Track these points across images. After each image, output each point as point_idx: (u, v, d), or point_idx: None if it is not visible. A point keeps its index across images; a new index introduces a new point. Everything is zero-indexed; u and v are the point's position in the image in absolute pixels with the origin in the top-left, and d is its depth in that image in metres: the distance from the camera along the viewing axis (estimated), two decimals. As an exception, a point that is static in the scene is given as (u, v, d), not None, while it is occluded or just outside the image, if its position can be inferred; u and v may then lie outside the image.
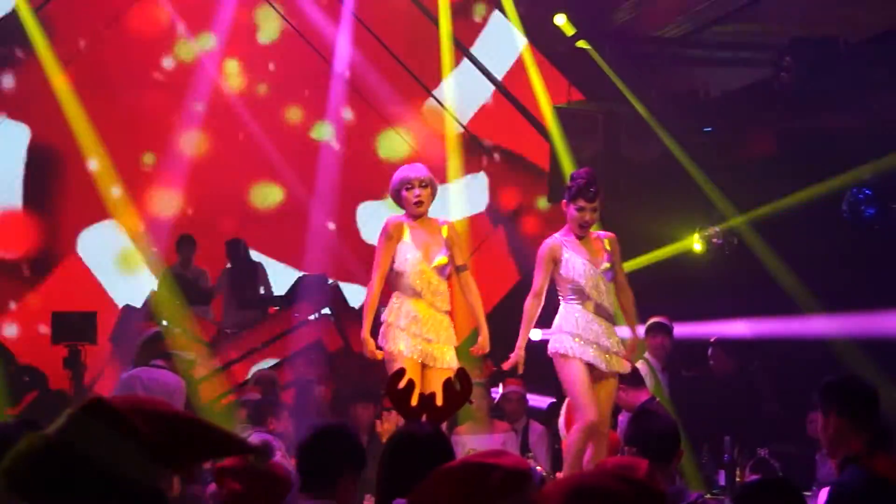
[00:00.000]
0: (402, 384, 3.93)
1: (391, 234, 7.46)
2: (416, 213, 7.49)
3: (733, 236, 11.47)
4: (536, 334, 12.36)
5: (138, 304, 12.87)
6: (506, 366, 7.77)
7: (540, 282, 7.52)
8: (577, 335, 7.41)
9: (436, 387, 4.42)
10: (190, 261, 13.03)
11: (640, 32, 12.72)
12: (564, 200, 7.53)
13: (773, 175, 10.89)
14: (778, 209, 10.72)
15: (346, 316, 12.67)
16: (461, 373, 4.25)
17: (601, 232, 7.75)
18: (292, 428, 8.91)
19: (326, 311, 12.65)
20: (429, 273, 7.43)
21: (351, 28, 13.71)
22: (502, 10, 13.17)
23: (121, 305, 13.33)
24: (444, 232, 7.56)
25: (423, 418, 3.90)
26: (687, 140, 11.88)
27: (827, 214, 10.37)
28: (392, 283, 7.54)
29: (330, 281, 13.34)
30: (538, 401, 10.82)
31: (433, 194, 7.57)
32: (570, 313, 7.49)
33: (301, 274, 13.57)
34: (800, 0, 10.79)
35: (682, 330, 10.29)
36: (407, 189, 7.46)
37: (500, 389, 10.30)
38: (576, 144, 12.55)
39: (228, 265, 13.19)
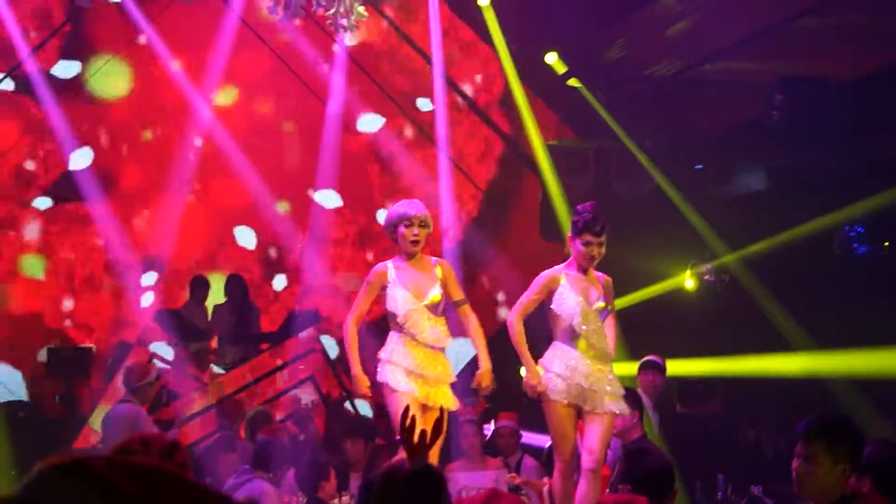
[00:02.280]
0: (409, 421, 4.00)
1: (372, 281, 7.39)
2: (411, 251, 7.38)
3: (725, 273, 11.51)
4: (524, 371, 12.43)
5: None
6: (532, 393, 7.39)
7: (528, 302, 7.40)
8: (561, 375, 7.24)
9: (427, 426, 4.46)
10: (203, 302, 13.09)
11: (631, 70, 12.80)
12: (570, 235, 7.41)
13: (764, 212, 10.95)
14: (769, 246, 10.76)
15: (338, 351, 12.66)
16: (442, 414, 4.32)
17: (600, 273, 7.57)
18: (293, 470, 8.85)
19: (319, 346, 12.63)
20: (421, 311, 7.33)
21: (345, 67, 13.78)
22: (494, 48, 13.24)
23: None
24: (438, 271, 7.45)
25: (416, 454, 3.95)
26: (678, 177, 11.94)
27: (818, 252, 10.41)
28: (389, 323, 7.45)
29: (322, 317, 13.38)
30: (538, 439, 10.78)
31: (429, 234, 7.49)
32: (558, 351, 7.36)
33: (293, 310, 13.61)
34: (790, 39, 10.86)
35: (674, 368, 10.30)
36: (406, 226, 7.35)
37: (492, 425, 10.30)
38: (567, 181, 12.59)
39: (226, 301, 13.19)
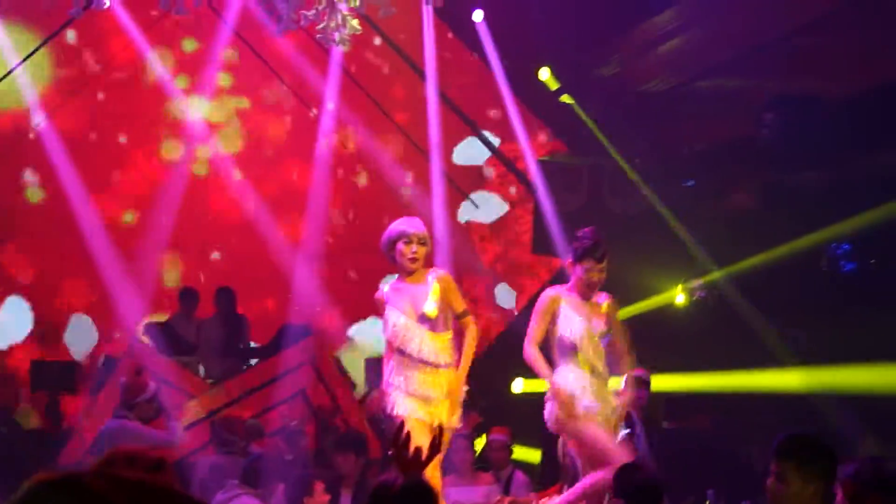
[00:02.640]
0: (402, 438, 4.00)
1: (379, 312, 7.35)
2: (409, 269, 7.27)
3: (715, 289, 11.55)
4: (519, 385, 12.46)
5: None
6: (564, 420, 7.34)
7: (537, 331, 7.34)
8: (580, 397, 7.21)
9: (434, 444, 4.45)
10: (192, 314, 13.08)
11: (624, 87, 12.85)
12: (570, 260, 7.39)
13: (754, 229, 10.99)
14: (759, 263, 10.81)
15: (329, 366, 12.66)
16: (438, 430, 4.31)
17: (601, 295, 7.51)
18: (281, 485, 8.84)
19: (309, 360, 12.62)
20: (413, 327, 7.21)
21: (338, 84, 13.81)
22: (488, 64, 13.28)
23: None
24: (436, 285, 7.31)
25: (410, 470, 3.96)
26: (669, 194, 11.98)
27: (807, 269, 10.46)
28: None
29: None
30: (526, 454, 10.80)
31: (427, 253, 7.40)
32: (567, 372, 7.30)
33: (284, 324, 13.60)
34: (781, 57, 10.92)
35: (663, 383, 10.33)
36: (405, 243, 7.26)
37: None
38: (560, 197, 12.63)
39: (215, 314, 13.18)
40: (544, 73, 12.88)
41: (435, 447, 4.21)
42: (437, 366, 7.21)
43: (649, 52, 12.11)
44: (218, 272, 14.31)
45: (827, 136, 10.35)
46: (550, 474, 9.00)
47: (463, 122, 14.52)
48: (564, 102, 12.87)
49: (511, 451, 10.23)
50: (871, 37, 10.13)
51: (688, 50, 11.74)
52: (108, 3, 8.94)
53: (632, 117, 12.57)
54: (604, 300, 7.46)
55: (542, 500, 8.27)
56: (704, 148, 12.41)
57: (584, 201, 12.51)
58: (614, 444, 7.20)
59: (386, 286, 7.39)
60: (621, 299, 10.99)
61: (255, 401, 12.28)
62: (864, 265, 10.30)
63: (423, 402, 7.14)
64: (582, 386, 7.23)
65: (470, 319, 7.44)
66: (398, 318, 7.22)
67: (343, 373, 12.88)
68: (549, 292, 7.45)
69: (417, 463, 3.94)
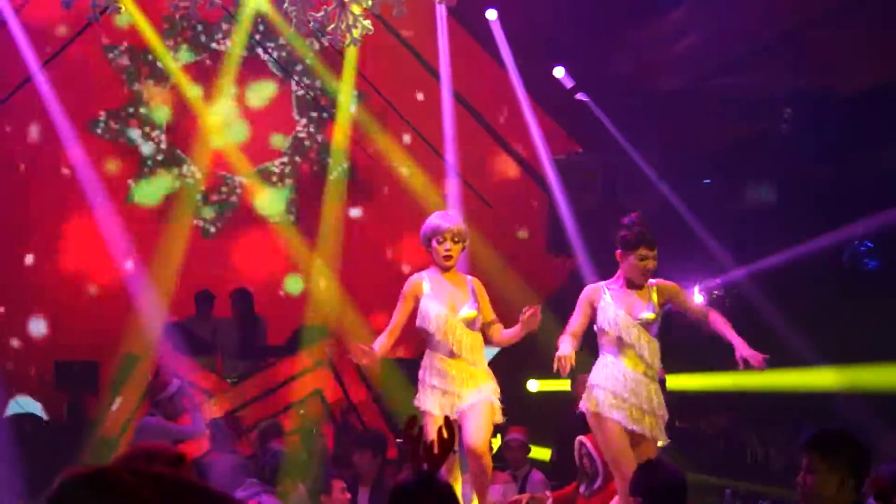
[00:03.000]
0: (415, 431, 3.95)
1: (406, 295, 7.18)
2: (444, 266, 7.17)
3: (733, 288, 11.49)
4: (534, 385, 12.44)
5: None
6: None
7: (574, 324, 7.12)
8: (612, 391, 7.00)
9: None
10: (209, 315, 13.10)
11: (638, 85, 12.80)
12: (619, 251, 7.10)
13: (773, 227, 10.93)
14: (778, 261, 10.75)
15: (346, 366, 12.65)
16: (447, 421, 4.25)
17: (657, 280, 7.25)
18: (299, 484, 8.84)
19: (326, 361, 12.62)
20: (456, 326, 7.12)
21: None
22: (502, 63, 13.26)
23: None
24: (475, 287, 7.26)
25: (424, 467, 3.92)
26: (686, 192, 11.93)
27: (828, 266, 10.40)
28: (424, 341, 7.27)
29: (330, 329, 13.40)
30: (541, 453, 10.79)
31: (464, 249, 7.26)
32: (604, 365, 7.10)
33: (300, 325, 13.61)
34: (798, 52, 10.86)
35: (678, 382, 10.29)
36: (438, 242, 7.15)
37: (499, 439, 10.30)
38: (574, 196, 12.60)
39: (232, 315, 13.19)
40: (559, 72, 12.85)
41: (450, 441, 4.15)
42: (472, 364, 7.12)
43: (664, 50, 12.07)
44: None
45: (846, 131, 10.30)
46: (566, 473, 8.97)
47: (477, 121, 14.49)
48: (579, 101, 12.83)
49: (528, 450, 10.21)
50: (888, 30, 10.06)
51: (702, 47, 11.69)
52: (122, 9, 8.91)
53: (647, 115, 12.52)
54: (655, 283, 7.21)
55: (557, 497, 8.25)
56: (721, 145, 12.35)
57: (599, 200, 12.47)
58: (628, 450, 6.91)
59: (424, 276, 7.24)
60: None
61: (272, 400, 12.29)
62: (886, 262, 10.24)
63: (457, 398, 7.02)
64: (615, 377, 7.00)
65: (500, 326, 7.32)
66: (440, 309, 7.10)
67: (360, 373, 12.87)
68: (591, 285, 7.28)
69: (433, 458, 3.91)
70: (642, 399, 7.01)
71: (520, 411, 11.11)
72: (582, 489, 8.03)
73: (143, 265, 13.55)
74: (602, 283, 7.23)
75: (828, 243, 10.36)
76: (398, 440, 9.87)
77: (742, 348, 6.98)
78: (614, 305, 7.04)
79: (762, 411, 11.01)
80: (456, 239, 7.14)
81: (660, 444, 7.13)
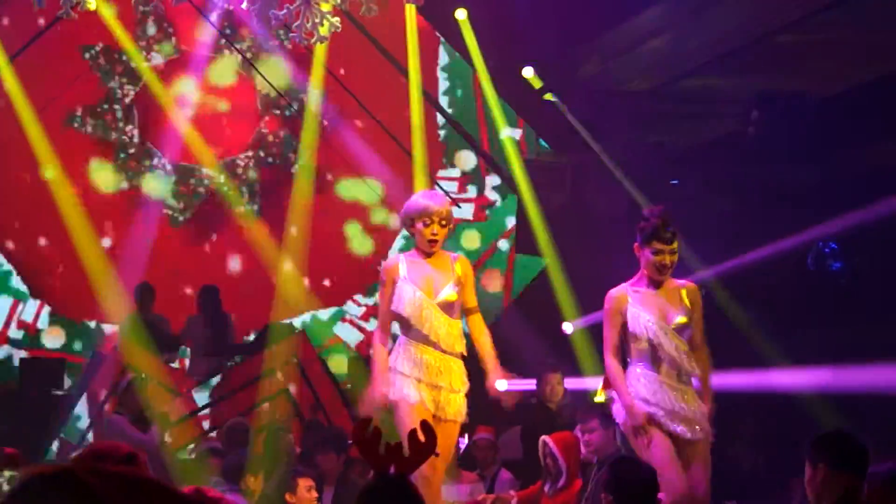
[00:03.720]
0: (369, 432, 3.84)
1: (384, 280, 6.79)
2: (429, 250, 6.78)
3: (701, 288, 11.51)
4: (503, 385, 12.42)
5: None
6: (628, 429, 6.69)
7: (612, 337, 6.70)
8: (648, 400, 6.61)
9: (441, 439, 4.23)
10: (150, 309, 12.99)
11: (608, 85, 12.82)
12: (636, 244, 6.78)
13: (739, 229, 10.98)
14: (745, 262, 10.78)
15: (313, 364, 12.62)
16: (424, 424, 4.13)
17: (682, 280, 6.98)
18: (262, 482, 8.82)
19: (294, 359, 12.58)
20: (433, 310, 6.72)
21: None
22: (470, 63, 13.26)
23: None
24: (458, 268, 6.85)
25: (391, 469, 3.81)
26: (654, 192, 11.96)
27: (793, 268, 10.44)
28: (398, 325, 6.91)
29: (298, 329, 13.39)
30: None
31: (449, 233, 6.93)
32: (637, 376, 6.70)
33: (268, 323, 13.58)
34: (766, 55, 10.91)
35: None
36: (425, 224, 6.74)
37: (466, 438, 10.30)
38: (543, 196, 12.62)
39: (199, 312, 13.13)
40: (528, 72, 12.87)
41: (429, 445, 4.00)
42: (449, 353, 6.74)
43: (633, 51, 12.09)
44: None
45: (813, 133, 10.34)
46: (533, 473, 8.98)
47: (446, 120, 14.51)
48: (548, 100, 12.84)
49: (497, 450, 10.22)
50: (855, 34, 10.12)
51: (672, 48, 11.72)
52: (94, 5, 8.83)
53: (616, 116, 12.54)
54: (684, 285, 6.92)
55: (522, 497, 8.27)
56: (689, 146, 12.39)
57: (568, 200, 12.51)
58: (673, 465, 6.52)
59: (401, 258, 6.91)
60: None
61: (239, 399, 12.25)
62: (850, 264, 10.29)
63: (433, 390, 6.68)
64: (652, 391, 6.63)
65: (479, 317, 6.97)
66: (415, 292, 6.72)
67: (328, 372, 12.85)
68: (613, 292, 6.80)
69: (403, 462, 3.82)
70: (678, 406, 6.65)
71: (490, 410, 11.12)
72: (546, 488, 8.06)
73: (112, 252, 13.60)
74: (624, 285, 6.83)
75: (794, 245, 10.39)
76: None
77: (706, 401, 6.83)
78: (645, 312, 6.69)
79: (729, 413, 11.03)
80: (443, 222, 6.78)
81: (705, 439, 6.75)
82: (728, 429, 10.82)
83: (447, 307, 6.76)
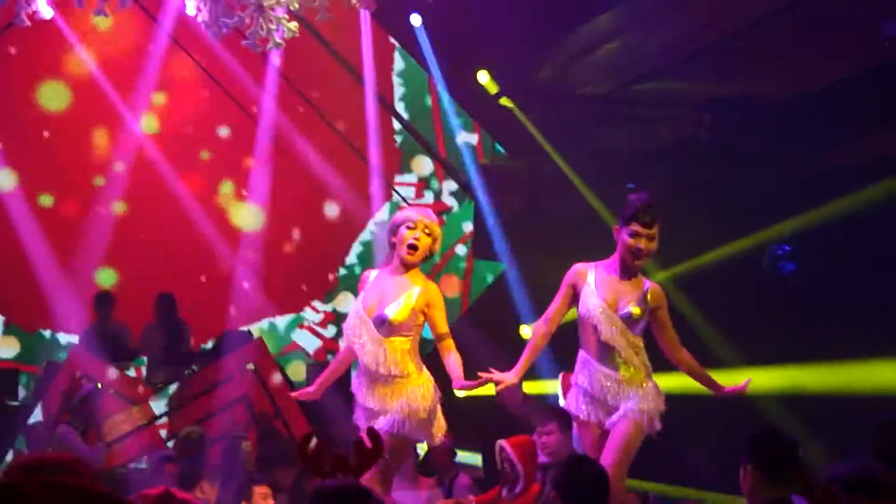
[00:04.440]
0: (312, 446, 3.85)
1: (359, 291, 6.61)
2: (407, 259, 6.45)
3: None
4: (461, 394, 12.43)
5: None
6: (498, 386, 6.56)
7: (554, 305, 6.54)
8: (589, 392, 6.51)
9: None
10: (109, 317, 12.92)
11: (563, 90, 12.86)
12: (616, 226, 6.60)
13: (694, 231, 11.03)
14: (700, 264, 10.84)
15: (270, 372, 12.57)
16: (370, 431, 4.14)
17: (649, 282, 6.71)
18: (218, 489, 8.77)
19: (251, 366, 12.53)
20: (363, 327, 6.44)
21: (275, 87, 13.72)
22: (426, 69, 13.27)
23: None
24: (422, 290, 6.52)
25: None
26: (610, 196, 12.00)
27: (748, 270, 10.50)
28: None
29: (255, 336, 13.34)
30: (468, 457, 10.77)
31: (430, 250, 6.56)
32: (582, 364, 6.58)
33: (225, 330, 13.54)
34: (720, 59, 10.97)
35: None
36: (408, 228, 6.46)
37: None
38: (499, 200, 12.63)
39: (155, 320, 13.06)
40: (483, 77, 12.88)
41: (375, 452, 4.02)
42: (384, 376, 6.42)
43: (588, 55, 12.13)
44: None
45: (766, 136, 10.41)
46: (491, 478, 8.99)
47: (402, 125, 14.51)
48: (503, 105, 12.86)
49: (454, 455, 10.21)
50: (808, 39, 10.20)
51: (626, 53, 11.77)
52: (51, 13, 8.75)
53: (571, 120, 12.58)
54: (649, 287, 6.65)
55: (480, 501, 8.27)
56: (644, 150, 12.44)
57: (524, 204, 12.53)
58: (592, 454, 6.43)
59: (375, 271, 6.69)
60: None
61: (196, 407, 12.19)
62: (804, 266, 10.35)
63: (370, 413, 6.44)
64: (589, 379, 6.51)
65: (450, 343, 6.57)
66: (356, 309, 6.51)
67: (287, 379, 12.80)
68: (577, 266, 6.61)
69: (349, 469, 3.84)
70: (611, 398, 6.51)
71: (448, 416, 11.11)
72: (504, 493, 8.05)
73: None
74: (591, 263, 6.61)
75: (748, 247, 10.45)
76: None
77: (721, 388, 6.92)
78: (598, 293, 6.48)
79: (684, 413, 11.07)
80: (428, 231, 6.48)
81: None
82: (685, 430, 10.90)
83: (385, 327, 6.44)
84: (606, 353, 6.53)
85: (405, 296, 6.44)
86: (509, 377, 6.58)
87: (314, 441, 3.83)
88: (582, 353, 6.65)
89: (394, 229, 6.57)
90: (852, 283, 9.75)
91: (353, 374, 6.68)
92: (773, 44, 10.50)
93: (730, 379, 7.24)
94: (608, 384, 6.50)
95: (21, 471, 2.25)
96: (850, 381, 9.29)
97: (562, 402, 6.92)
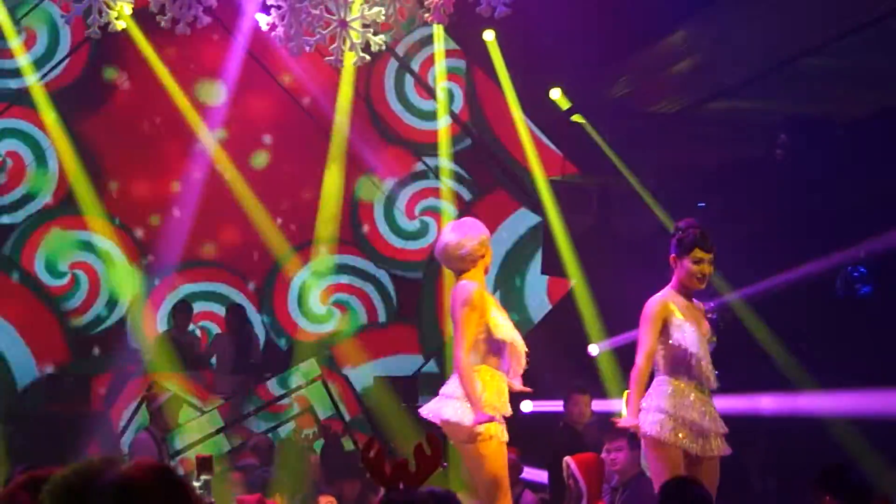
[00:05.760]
0: (373, 452, 3.86)
1: (475, 304, 6.55)
2: (484, 276, 6.73)
3: (729, 312, 11.47)
4: (527, 406, 12.42)
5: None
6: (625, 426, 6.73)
7: (650, 343, 6.59)
8: (673, 415, 6.53)
9: None
10: (186, 326, 13.10)
11: (635, 107, 12.81)
12: (673, 255, 6.74)
13: (767, 251, 10.94)
14: (773, 286, 10.74)
15: (338, 383, 12.65)
16: (430, 437, 4.12)
17: (696, 300, 6.89)
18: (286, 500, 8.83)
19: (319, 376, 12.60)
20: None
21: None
22: (499, 84, 13.29)
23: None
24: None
25: (400, 486, 3.81)
26: (681, 215, 11.91)
27: (821, 292, 10.39)
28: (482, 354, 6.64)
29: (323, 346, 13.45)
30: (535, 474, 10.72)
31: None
32: (664, 388, 6.64)
33: (293, 340, 13.65)
34: (794, 79, 10.88)
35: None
36: (488, 248, 6.74)
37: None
38: (569, 217, 12.59)
39: (226, 330, 13.19)
40: (555, 93, 12.87)
41: (435, 458, 3.99)
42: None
43: (660, 73, 12.08)
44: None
45: (841, 157, 10.30)
46: (558, 495, 8.95)
47: (473, 141, 14.53)
48: (575, 122, 12.84)
49: (520, 471, 10.17)
50: (882, 58, 10.10)
51: (700, 71, 11.71)
52: (123, 25, 8.78)
53: (643, 138, 12.52)
54: (700, 304, 6.88)
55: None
56: (716, 169, 12.35)
57: (594, 222, 12.48)
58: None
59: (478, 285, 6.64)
60: (631, 321, 10.98)
61: (264, 417, 12.28)
62: (879, 288, 10.23)
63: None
64: (679, 403, 6.56)
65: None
66: (512, 331, 6.67)
67: (353, 390, 12.86)
68: (657, 297, 6.72)
69: (410, 477, 3.82)
70: (704, 421, 6.59)
71: (514, 431, 11.11)
72: (568, 510, 8.02)
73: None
74: (664, 293, 6.75)
75: (822, 269, 10.34)
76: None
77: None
78: (688, 323, 6.62)
79: (757, 437, 10.98)
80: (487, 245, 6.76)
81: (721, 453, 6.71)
82: (747, 451, 10.80)
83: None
84: (699, 379, 6.63)
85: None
86: (632, 421, 6.63)
87: (376, 447, 3.85)
88: (665, 379, 6.68)
89: (481, 251, 6.64)
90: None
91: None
92: (849, 63, 10.40)
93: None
94: (702, 408, 6.58)
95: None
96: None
97: (623, 420, 6.86)
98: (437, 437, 4.09)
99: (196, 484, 7.63)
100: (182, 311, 13.12)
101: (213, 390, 12.93)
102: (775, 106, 11.37)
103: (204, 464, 6.71)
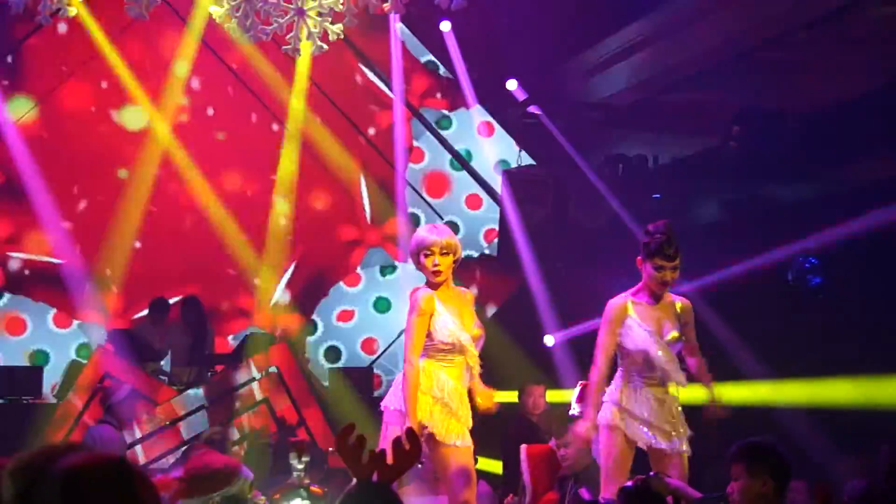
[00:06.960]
0: (352, 439, 3.83)
1: (424, 310, 6.65)
2: (435, 282, 6.73)
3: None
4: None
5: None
6: (580, 434, 6.93)
7: (607, 344, 6.86)
8: (625, 409, 6.81)
9: None
10: (161, 322, 12.99)
11: (590, 100, 12.85)
12: (639, 257, 6.93)
13: (720, 243, 11.00)
14: (725, 277, 10.80)
15: (294, 375, 12.60)
16: (409, 433, 4.12)
17: (679, 297, 7.11)
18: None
19: (273, 369, 12.56)
20: (467, 340, 6.74)
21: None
22: (454, 74, 13.28)
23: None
24: (471, 301, 6.93)
25: (375, 477, 3.79)
26: (636, 206, 11.98)
27: (773, 283, 10.46)
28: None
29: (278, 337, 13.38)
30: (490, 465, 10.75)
31: (455, 262, 6.82)
32: (621, 384, 6.91)
33: (249, 331, 13.58)
34: (748, 71, 10.95)
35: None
36: (426, 255, 6.71)
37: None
38: (525, 209, 12.60)
39: (181, 322, 13.10)
40: (511, 85, 12.89)
41: (413, 454, 3.95)
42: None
43: (616, 65, 12.12)
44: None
45: (793, 149, 10.37)
46: (511, 485, 8.98)
47: (427, 129, 14.50)
48: (531, 113, 12.86)
49: (475, 462, 10.17)
50: (836, 52, 10.17)
51: (654, 63, 11.76)
52: (75, 11, 8.71)
53: (598, 129, 12.56)
54: (678, 300, 7.05)
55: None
56: (671, 161, 12.42)
57: (549, 213, 12.49)
58: (622, 474, 6.67)
59: (428, 290, 6.74)
60: (586, 312, 11.02)
61: (219, 409, 12.21)
62: (830, 279, 10.32)
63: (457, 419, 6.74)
64: (633, 399, 6.82)
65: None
66: (453, 321, 6.68)
67: (309, 382, 12.82)
68: (615, 300, 6.96)
69: (386, 470, 3.79)
70: (666, 418, 6.83)
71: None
72: (516, 500, 8.05)
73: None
74: (625, 295, 6.98)
75: (774, 259, 10.42)
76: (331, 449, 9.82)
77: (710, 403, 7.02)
78: (643, 328, 6.86)
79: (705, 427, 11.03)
80: (444, 251, 6.71)
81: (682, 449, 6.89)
82: (709, 444, 10.86)
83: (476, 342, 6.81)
84: (655, 377, 6.87)
85: (472, 312, 6.83)
86: (585, 430, 6.86)
87: (354, 434, 3.81)
88: (623, 374, 6.95)
89: (415, 256, 6.80)
90: (878, 296, 9.71)
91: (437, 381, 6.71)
92: (801, 56, 10.48)
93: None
94: (656, 406, 6.83)
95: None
96: (876, 394, 9.24)
97: (575, 410, 7.27)
98: (416, 434, 4.11)
99: (299, 466, 8.40)
100: (161, 309, 13.03)
101: (168, 382, 12.86)
102: (728, 98, 11.44)
103: (301, 447, 6.56)
